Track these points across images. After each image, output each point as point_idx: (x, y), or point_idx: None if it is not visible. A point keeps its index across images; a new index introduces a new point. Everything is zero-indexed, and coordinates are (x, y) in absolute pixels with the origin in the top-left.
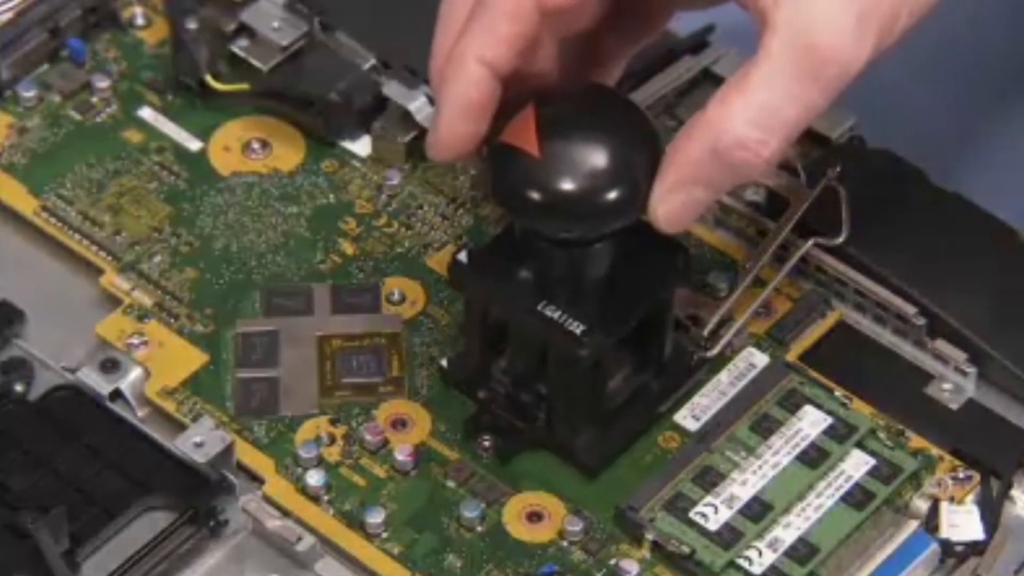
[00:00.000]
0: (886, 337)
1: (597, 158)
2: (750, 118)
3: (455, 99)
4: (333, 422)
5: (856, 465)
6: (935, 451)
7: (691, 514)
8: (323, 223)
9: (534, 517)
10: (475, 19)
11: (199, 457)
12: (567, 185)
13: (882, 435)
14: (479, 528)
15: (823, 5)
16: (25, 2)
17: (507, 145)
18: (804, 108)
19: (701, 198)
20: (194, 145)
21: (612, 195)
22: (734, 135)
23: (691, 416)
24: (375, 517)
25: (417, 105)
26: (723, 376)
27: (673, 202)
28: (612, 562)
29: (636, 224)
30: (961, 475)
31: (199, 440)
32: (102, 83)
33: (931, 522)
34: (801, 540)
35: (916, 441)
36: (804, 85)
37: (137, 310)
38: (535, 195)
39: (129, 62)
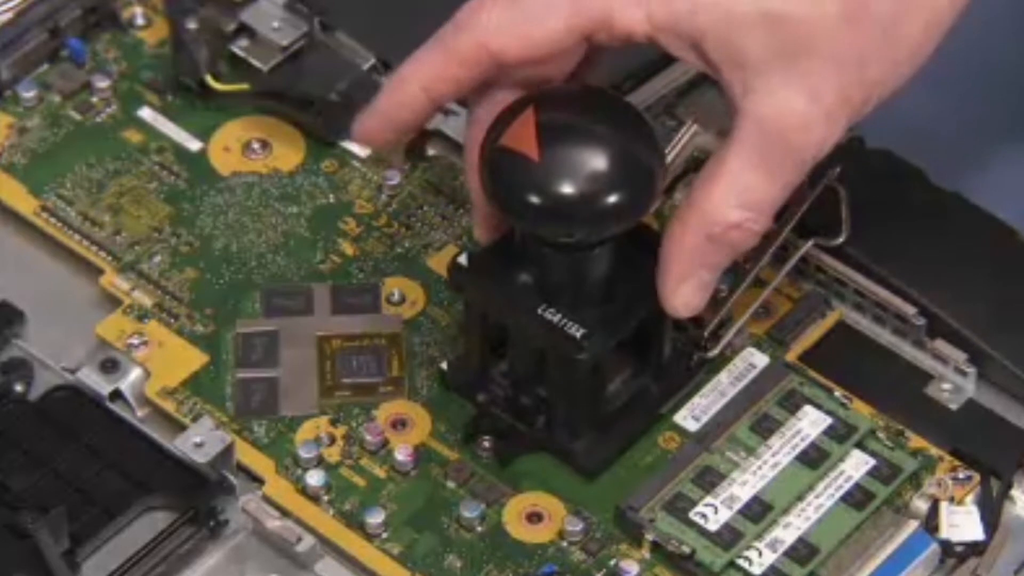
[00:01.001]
0: (886, 337)
1: (597, 162)
2: (736, 202)
3: (388, 111)
4: (333, 422)
5: (856, 465)
6: (935, 451)
7: (691, 514)
8: (323, 223)
9: (534, 517)
10: (431, 49)
11: (199, 457)
12: (567, 189)
13: (882, 435)
14: (479, 528)
15: (790, 99)
16: (25, 2)
17: (507, 149)
18: (784, 185)
19: (708, 279)
20: (194, 145)
21: (612, 199)
22: (725, 220)
23: (691, 416)
24: (375, 517)
25: None
26: (723, 376)
27: (685, 292)
28: (612, 562)
29: (635, 228)
30: (961, 475)
31: (199, 440)
32: (102, 83)
33: (931, 522)
34: (801, 540)
35: (916, 441)
36: (780, 166)
37: (137, 310)
38: (535, 199)
39: (129, 62)
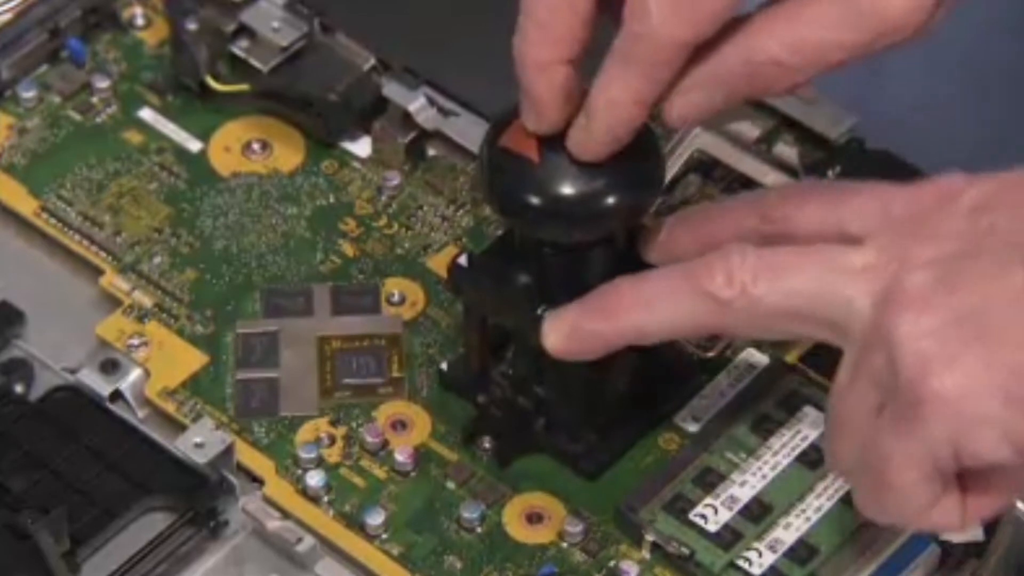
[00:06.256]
0: None
1: (596, 163)
2: (792, 44)
3: (607, 133)
4: (333, 423)
5: None
6: None
7: (691, 515)
8: (323, 224)
9: (534, 518)
10: (626, 64)
11: (199, 458)
12: (567, 190)
13: None
14: (479, 529)
15: None
16: (25, 2)
17: (507, 150)
18: (848, 56)
19: (717, 102)
20: (194, 146)
21: (611, 200)
22: (771, 54)
23: (691, 417)
24: (375, 518)
25: (417, 106)
26: (723, 377)
27: (690, 99)
28: (612, 563)
29: (636, 227)
30: None
31: (199, 441)
32: (102, 84)
33: None
34: (801, 541)
35: None
36: (856, 37)
37: (137, 311)
38: (535, 200)
39: (129, 63)
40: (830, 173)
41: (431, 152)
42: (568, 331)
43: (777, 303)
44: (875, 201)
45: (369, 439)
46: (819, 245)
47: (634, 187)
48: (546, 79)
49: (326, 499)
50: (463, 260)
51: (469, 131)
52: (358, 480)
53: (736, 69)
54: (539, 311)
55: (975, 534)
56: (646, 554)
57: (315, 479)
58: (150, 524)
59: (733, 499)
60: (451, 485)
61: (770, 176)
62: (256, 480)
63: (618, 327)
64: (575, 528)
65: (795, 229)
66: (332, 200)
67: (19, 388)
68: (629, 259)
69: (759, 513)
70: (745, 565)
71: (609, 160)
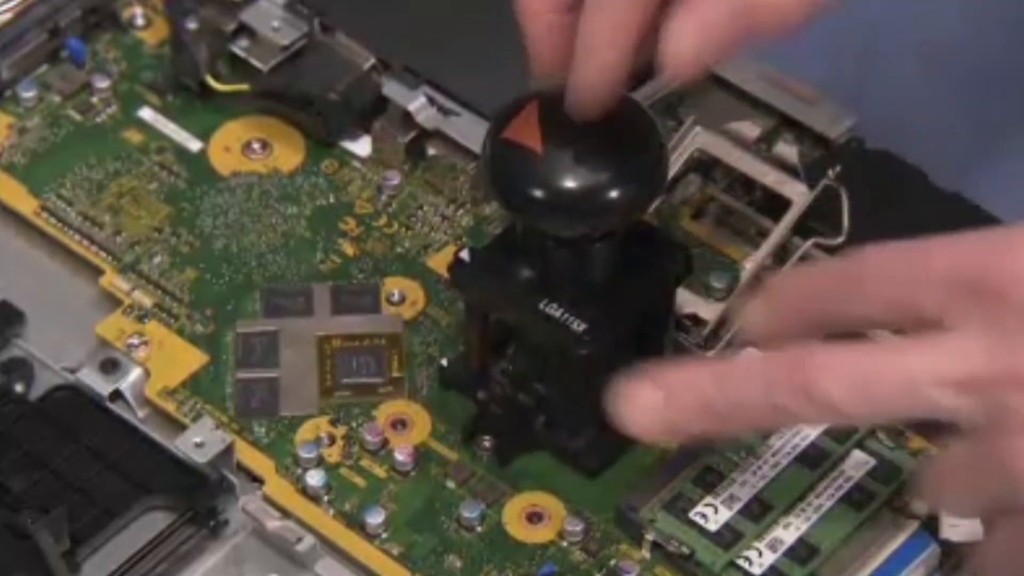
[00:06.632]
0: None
1: (600, 155)
2: None
3: (589, 81)
4: (333, 422)
5: (856, 465)
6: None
7: (691, 514)
8: (323, 223)
9: (534, 517)
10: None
11: (199, 457)
12: (570, 182)
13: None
14: (479, 528)
15: None
16: (25, 2)
17: (510, 142)
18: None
19: (716, 42)
20: (194, 145)
21: (615, 193)
22: None
23: None
24: (375, 517)
25: (417, 105)
26: None
27: (685, 43)
28: (612, 563)
29: (638, 223)
30: None
31: (199, 440)
32: (102, 83)
33: (931, 522)
34: (801, 540)
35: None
36: None
37: (137, 310)
38: (538, 192)
39: (129, 63)
40: (830, 172)
41: (431, 152)
42: (662, 424)
43: (871, 418)
44: (945, 280)
45: (369, 439)
46: (906, 347)
47: (637, 180)
48: (539, 25)
49: (326, 499)
50: (465, 255)
51: (469, 131)
52: (358, 480)
53: (728, 10)
54: (541, 305)
55: (976, 534)
56: (646, 553)
57: (315, 479)
58: (150, 524)
59: (733, 498)
60: (451, 484)
61: (770, 176)
62: (256, 480)
63: (711, 429)
64: (575, 527)
65: (871, 317)
66: (332, 200)
67: (19, 388)
68: (632, 254)
69: (759, 512)
70: (745, 564)
71: (612, 153)
